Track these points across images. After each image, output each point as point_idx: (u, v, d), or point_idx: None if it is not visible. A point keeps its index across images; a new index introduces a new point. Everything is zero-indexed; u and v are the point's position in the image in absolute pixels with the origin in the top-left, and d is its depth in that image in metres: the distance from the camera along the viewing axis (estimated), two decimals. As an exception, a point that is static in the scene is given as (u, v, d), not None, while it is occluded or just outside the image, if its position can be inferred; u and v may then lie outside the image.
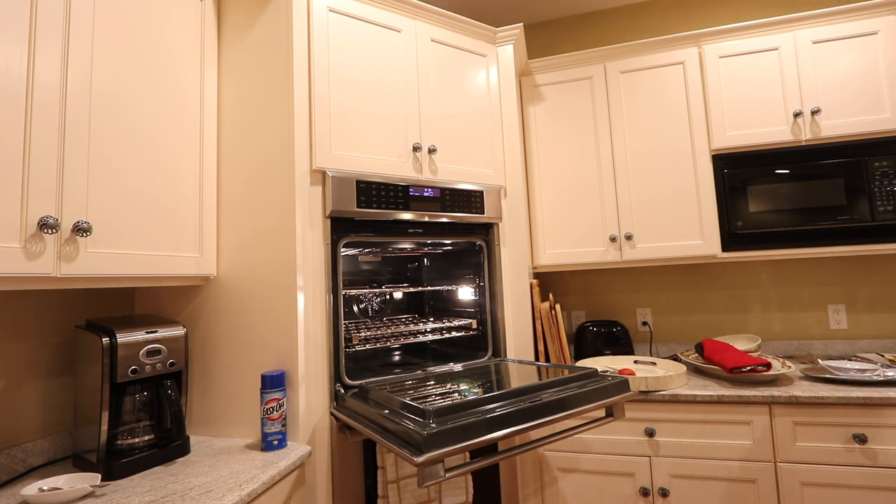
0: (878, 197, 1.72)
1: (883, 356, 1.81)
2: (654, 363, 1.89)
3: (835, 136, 1.79)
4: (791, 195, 1.80)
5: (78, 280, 1.04)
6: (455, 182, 1.67)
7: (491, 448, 1.55)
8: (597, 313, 2.38)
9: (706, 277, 2.24)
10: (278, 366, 1.32)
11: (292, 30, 1.40)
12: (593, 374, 1.32)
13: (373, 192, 1.48)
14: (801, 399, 1.48)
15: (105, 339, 1.12)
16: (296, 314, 1.32)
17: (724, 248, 1.87)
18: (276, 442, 1.24)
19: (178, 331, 1.27)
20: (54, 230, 0.95)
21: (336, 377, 1.39)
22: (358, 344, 1.56)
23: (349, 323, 1.92)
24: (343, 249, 1.47)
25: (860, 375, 1.55)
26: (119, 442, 1.15)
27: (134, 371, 1.15)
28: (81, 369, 1.20)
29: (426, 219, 1.59)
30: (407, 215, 1.54)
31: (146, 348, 1.19)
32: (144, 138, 1.21)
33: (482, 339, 1.75)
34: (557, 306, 1.90)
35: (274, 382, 1.26)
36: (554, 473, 1.70)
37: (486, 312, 1.74)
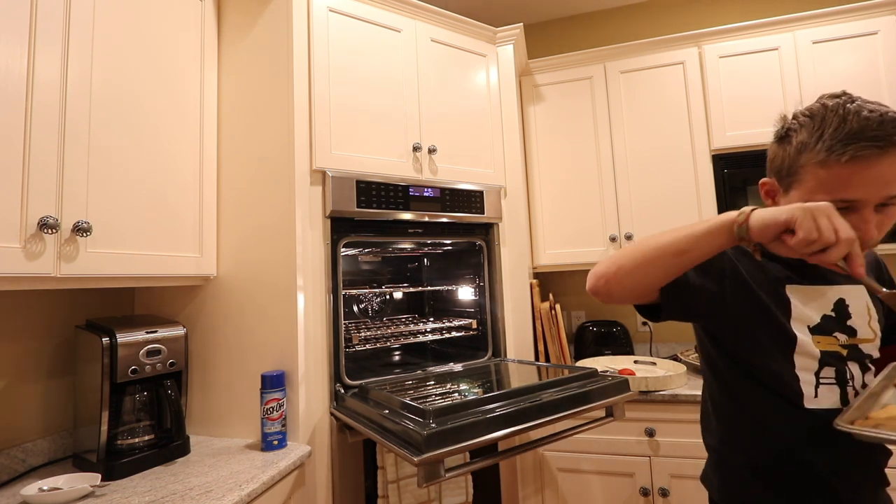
0: (878, 197, 1.71)
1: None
2: (654, 363, 1.89)
3: (835, 136, 1.78)
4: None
5: (78, 280, 1.04)
6: (455, 182, 1.67)
7: (491, 448, 1.55)
8: (597, 313, 2.38)
9: (706, 277, 2.23)
10: (278, 366, 1.32)
11: (292, 30, 1.40)
12: (593, 374, 1.32)
13: (373, 192, 1.48)
14: (801, 399, 1.48)
15: (105, 339, 1.12)
16: (296, 314, 1.32)
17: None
18: (276, 442, 1.24)
19: (178, 331, 1.27)
20: (54, 230, 0.95)
21: (336, 377, 1.39)
22: (358, 344, 1.56)
23: (349, 323, 1.92)
24: (343, 249, 1.47)
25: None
26: (119, 442, 1.15)
27: (134, 371, 1.15)
28: (81, 369, 1.20)
29: (426, 219, 1.59)
30: (407, 215, 1.54)
31: (146, 348, 1.19)
32: (144, 138, 1.21)
33: (482, 339, 1.75)
34: (557, 306, 1.90)
35: (274, 382, 1.26)
36: (554, 473, 1.70)
37: (486, 312, 1.74)
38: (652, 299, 0.79)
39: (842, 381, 0.75)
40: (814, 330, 0.77)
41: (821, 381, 0.75)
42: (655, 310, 0.81)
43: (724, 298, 0.78)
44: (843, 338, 0.77)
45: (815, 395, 0.74)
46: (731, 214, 0.68)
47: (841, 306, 0.79)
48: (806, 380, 0.75)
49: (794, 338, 0.76)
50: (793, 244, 0.62)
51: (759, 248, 0.68)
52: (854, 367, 0.76)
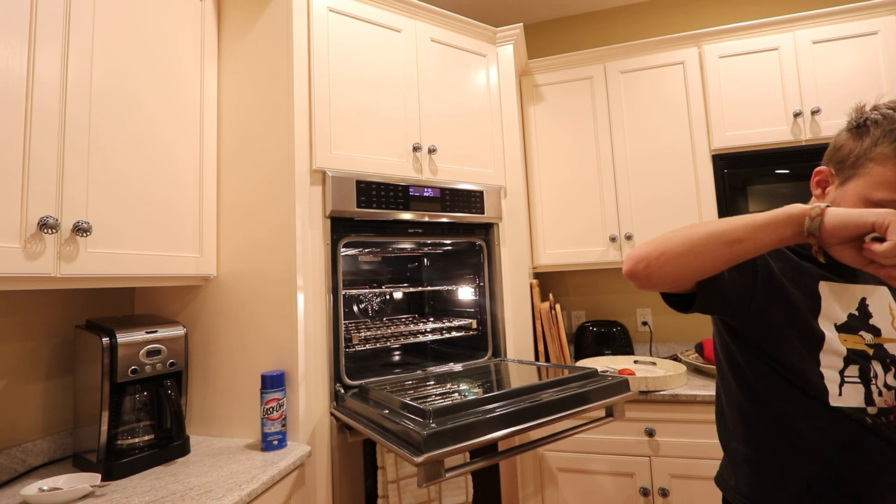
0: (878, 197, 1.71)
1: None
2: (654, 363, 1.89)
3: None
4: (791, 195, 1.80)
5: (78, 280, 1.04)
6: (455, 182, 1.67)
7: (491, 448, 1.55)
8: (597, 313, 2.38)
9: (706, 277, 2.23)
10: (278, 366, 1.32)
11: (292, 30, 1.40)
12: (593, 374, 1.32)
13: (373, 192, 1.48)
14: (801, 399, 1.48)
15: (105, 339, 1.12)
16: (296, 314, 1.32)
17: (724, 248, 1.87)
18: (276, 442, 1.24)
19: (178, 331, 1.27)
20: (54, 230, 0.95)
21: (336, 377, 1.39)
22: (358, 344, 1.56)
23: (349, 323, 1.92)
24: (343, 249, 1.47)
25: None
26: (119, 442, 1.15)
27: (134, 371, 1.15)
28: (82, 369, 1.20)
29: (426, 219, 1.59)
30: (407, 215, 1.54)
31: (146, 348, 1.18)
32: (144, 138, 1.21)
33: (482, 339, 1.75)
34: (557, 306, 1.90)
35: (274, 382, 1.26)
36: (554, 473, 1.70)
37: (486, 312, 1.74)
38: (685, 289, 0.77)
39: (865, 379, 0.74)
40: (840, 328, 0.76)
41: (845, 379, 0.74)
42: (684, 301, 0.79)
43: (754, 295, 0.77)
44: (868, 337, 0.77)
45: (840, 394, 0.74)
46: (801, 206, 0.65)
47: (862, 305, 0.79)
48: (831, 378, 0.74)
49: (821, 336, 0.75)
50: (881, 251, 0.59)
51: (822, 251, 0.66)
52: (878, 366, 0.75)
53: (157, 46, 1.27)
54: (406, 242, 1.70)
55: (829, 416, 0.74)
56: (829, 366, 0.75)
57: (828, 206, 0.64)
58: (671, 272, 0.71)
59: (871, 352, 0.76)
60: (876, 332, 0.77)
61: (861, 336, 0.76)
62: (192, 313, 1.45)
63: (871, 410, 0.73)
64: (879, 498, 0.73)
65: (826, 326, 0.76)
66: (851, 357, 0.75)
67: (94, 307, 1.41)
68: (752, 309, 0.78)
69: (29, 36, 0.96)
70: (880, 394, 0.74)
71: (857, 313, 0.78)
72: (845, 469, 0.73)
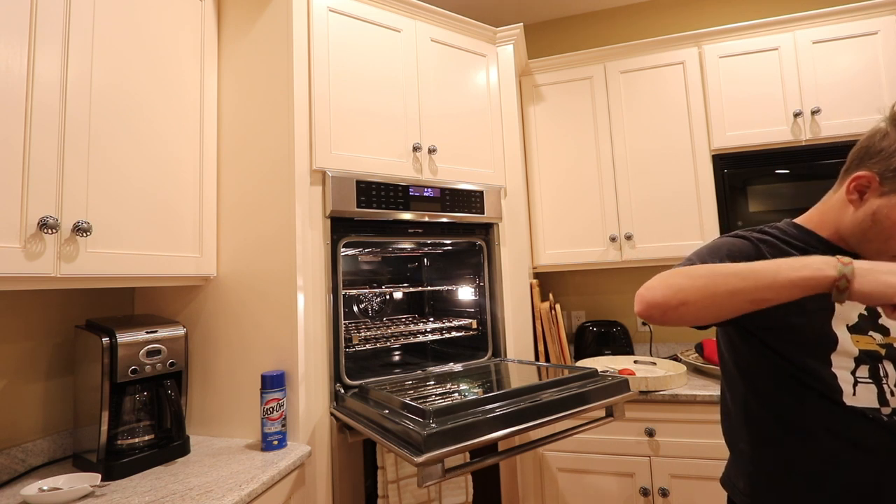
0: (878, 197, 1.71)
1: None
2: (654, 363, 1.89)
3: (835, 136, 1.79)
4: (791, 195, 1.80)
5: (78, 280, 1.04)
6: (455, 182, 1.67)
7: (491, 448, 1.55)
8: (597, 313, 2.38)
9: (706, 277, 2.23)
10: (278, 366, 1.32)
11: (292, 30, 1.40)
12: (593, 374, 1.32)
13: (373, 192, 1.48)
14: (801, 399, 1.48)
15: (105, 339, 1.12)
16: (296, 314, 1.32)
17: (724, 248, 1.87)
18: (276, 442, 1.24)
19: (178, 331, 1.27)
20: (54, 230, 0.95)
21: (336, 377, 1.39)
22: (358, 344, 1.56)
23: (349, 323, 1.92)
24: (343, 249, 1.47)
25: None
26: (119, 442, 1.15)
27: (134, 371, 1.15)
28: (82, 369, 1.20)
29: (426, 219, 1.59)
30: (407, 215, 1.54)
31: (146, 348, 1.18)
32: (144, 138, 1.21)
33: (482, 339, 1.75)
34: (557, 306, 1.90)
35: (274, 382, 1.26)
36: (554, 473, 1.70)
37: (486, 312, 1.74)
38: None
39: (876, 378, 0.74)
40: (852, 329, 0.76)
41: (858, 379, 0.74)
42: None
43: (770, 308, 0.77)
44: (878, 336, 0.77)
45: (854, 394, 0.74)
46: (828, 270, 0.63)
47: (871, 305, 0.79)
48: (844, 378, 0.75)
49: (835, 338, 0.76)
50: None
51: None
52: (889, 366, 0.75)
53: (157, 46, 1.27)
54: (406, 242, 1.70)
55: (843, 416, 0.74)
56: (841, 366, 0.75)
57: (855, 267, 0.63)
58: (690, 319, 0.72)
59: (883, 352, 0.76)
60: (885, 331, 0.77)
61: (871, 336, 0.76)
62: (192, 313, 1.45)
63: (886, 410, 0.73)
64: (890, 498, 0.72)
65: (839, 328, 0.76)
66: (863, 358, 0.75)
67: (94, 307, 1.41)
68: (770, 316, 0.77)
69: (29, 36, 0.96)
70: (892, 393, 0.74)
71: (866, 313, 0.78)
72: (857, 469, 0.73)
